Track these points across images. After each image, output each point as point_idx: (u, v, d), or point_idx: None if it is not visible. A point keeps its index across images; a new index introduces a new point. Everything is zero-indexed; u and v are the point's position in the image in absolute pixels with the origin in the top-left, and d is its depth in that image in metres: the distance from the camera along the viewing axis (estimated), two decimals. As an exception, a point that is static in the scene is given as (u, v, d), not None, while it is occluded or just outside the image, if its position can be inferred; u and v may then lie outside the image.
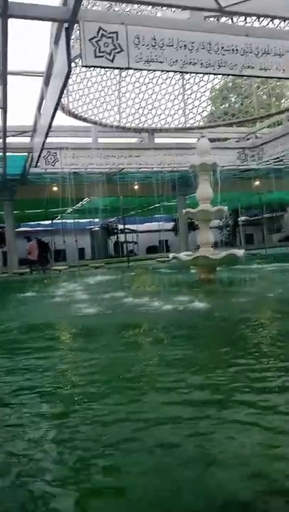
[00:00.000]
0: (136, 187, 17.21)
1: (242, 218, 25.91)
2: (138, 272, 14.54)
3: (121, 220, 23.42)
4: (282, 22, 8.05)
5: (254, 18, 7.97)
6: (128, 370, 3.12)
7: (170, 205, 21.05)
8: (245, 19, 8.41)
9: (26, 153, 13.40)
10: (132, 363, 3.35)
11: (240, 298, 6.78)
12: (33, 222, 27.27)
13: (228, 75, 6.74)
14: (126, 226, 23.44)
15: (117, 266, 17.59)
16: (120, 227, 26.60)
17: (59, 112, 9.25)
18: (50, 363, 3.57)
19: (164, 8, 6.89)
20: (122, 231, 24.40)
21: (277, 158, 13.95)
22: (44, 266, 18.17)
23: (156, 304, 6.28)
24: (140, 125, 13.66)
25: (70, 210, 21.00)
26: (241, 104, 14.13)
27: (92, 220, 26.17)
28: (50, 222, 26.23)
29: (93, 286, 10.17)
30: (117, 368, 3.29)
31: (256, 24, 8.74)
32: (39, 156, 11.84)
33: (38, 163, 12.67)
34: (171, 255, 10.25)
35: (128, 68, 5.74)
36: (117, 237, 30.27)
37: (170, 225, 28.35)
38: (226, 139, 15.95)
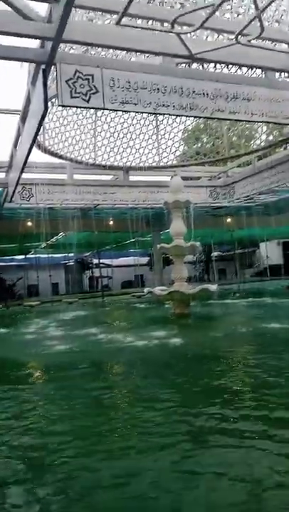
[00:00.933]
0: (111, 222, 17.33)
1: (215, 254, 26.34)
2: (113, 307, 14.43)
3: (96, 255, 23.39)
4: (249, 69, 8.55)
5: (223, 65, 8.44)
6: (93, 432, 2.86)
7: (145, 240, 21.24)
8: (215, 66, 8.90)
9: (1, 189, 13.39)
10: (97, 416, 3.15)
11: (214, 333, 6.80)
12: (6, 257, 26.87)
13: (200, 117, 7.06)
14: (101, 261, 23.38)
15: (91, 301, 17.41)
16: (95, 261, 26.52)
17: (35, 149, 9.37)
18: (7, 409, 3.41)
19: (138, 53, 7.20)
20: (97, 266, 24.32)
21: (248, 196, 14.41)
22: (4, 302, 17.77)
23: (130, 340, 6.22)
24: (115, 163, 13.93)
25: (44, 244, 20.88)
26: (213, 144, 14.68)
27: (66, 254, 26.01)
28: (23, 256, 25.91)
29: (66, 322, 9.99)
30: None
31: (225, 71, 9.25)
32: (14, 191, 11.84)
33: (13, 199, 12.65)
34: (145, 290, 10.27)
35: (103, 109, 5.94)
36: (92, 272, 30.09)
37: (145, 259, 28.49)
38: (198, 178, 16.42)
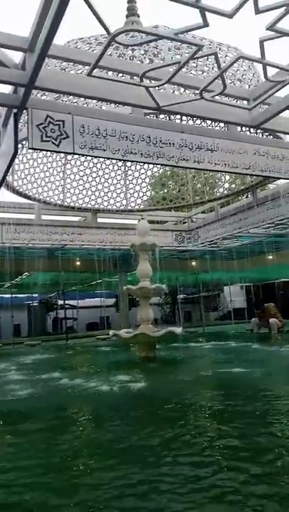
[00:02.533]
0: (78, 263, 17.27)
1: (180, 296, 26.52)
2: (77, 350, 14.07)
3: (61, 296, 22.99)
4: (213, 122, 9.08)
5: (189, 117, 8.92)
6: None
7: (112, 282, 21.18)
8: (181, 117, 9.38)
9: None
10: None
11: (178, 377, 6.76)
12: None
13: (166, 165, 7.34)
14: (66, 302, 22.96)
15: (55, 344, 16.92)
16: (60, 302, 26.02)
17: (3, 189, 9.38)
18: None
19: (108, 102, 7.50)
20: (62, 307, 23.84)
21: (212, 241, 14.84)
22: None
23: (94, 385, 6.06)
24: (84, 205, 14.11)
25: (8, 284, 20.40)
26: (178, 191, 15.21)
27: (30, 295, 25.44)
28: (-15, 297, 25.11)
29: (28, 366, 9.63)
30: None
31: (191, 122, 9.77)
32: (-21, 230, 11.70)
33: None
34: (111, 332, 10.13)
35: (73, 153, 6.07)
36: (56, 313, 29.40)
37: (112, 300, 28.19)
38: (164, 222, 16.82)
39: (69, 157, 13.12)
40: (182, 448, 3.13)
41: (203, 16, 4.06)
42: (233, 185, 14.21)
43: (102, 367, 8.53)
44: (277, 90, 5.88)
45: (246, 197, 14.39)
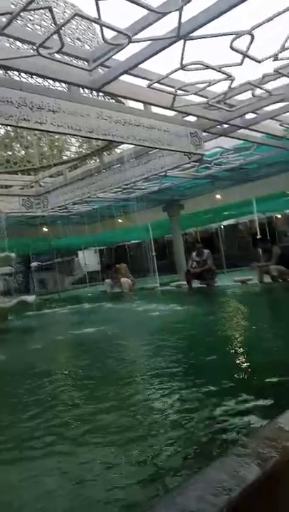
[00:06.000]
0: None
1: (34, 264, 25.84)
2: None
3: None
4: (55, 82, 8.72)
5: (28, 74, 8.38)
6: None
7: None
8: (20, 74, 8.77)
9: None
10: None
11: (32, 345, 6.70)
12: None
13: (5, 124, 6.85)
14: None
15: None
16: None
17: None
18: None
19: None
20: None
21: (62, 206, 14.58)
22: None
23: None
24: None
25: None
26: (25, 153, 14.42)
27: None
28: None
29: None
30: None
31: (32, 81, 9.22)
32: None
33: None
34: None
35: None
36: None
37: None
38: (9, 186, 15.83)
39: None
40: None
41: None
42: (81, 150, 14.08)
43: None
44: (116, 53, 5.89)
45: (95, 161, 14.46)
